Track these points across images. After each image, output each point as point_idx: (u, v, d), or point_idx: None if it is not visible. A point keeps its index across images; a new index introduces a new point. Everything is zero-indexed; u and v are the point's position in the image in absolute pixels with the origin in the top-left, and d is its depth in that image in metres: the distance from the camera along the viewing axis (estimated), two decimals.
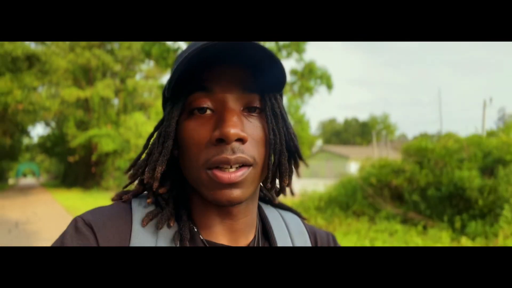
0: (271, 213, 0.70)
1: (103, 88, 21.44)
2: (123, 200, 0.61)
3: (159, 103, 20.20)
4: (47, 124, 30.31)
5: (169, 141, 0.57)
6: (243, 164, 0.54)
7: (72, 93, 21.07)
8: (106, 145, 20.38)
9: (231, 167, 0.53)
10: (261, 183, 0.63)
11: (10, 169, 51.14)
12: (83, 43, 21.98)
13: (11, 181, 51.43)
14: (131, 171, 0.63)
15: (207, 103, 0.55)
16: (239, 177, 0.54)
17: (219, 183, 0.53)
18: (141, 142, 18.76)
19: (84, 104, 23.34)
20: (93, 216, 0.55)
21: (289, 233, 0.68)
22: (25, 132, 28.83)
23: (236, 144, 0.53)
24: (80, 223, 0.54)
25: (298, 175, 0.65)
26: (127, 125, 20.42)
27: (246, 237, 0.63)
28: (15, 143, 29.38)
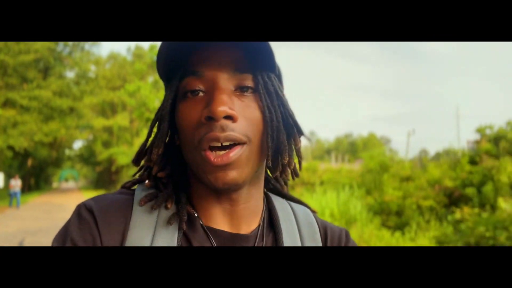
0: (280, 204, 0.68)
1: (121, 119, 30.02)
2: (127, 186, 0.63)
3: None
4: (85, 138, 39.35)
5: (164, 123, 0.57)
6: (236, 143, 0.53)
7: (99, 122, 29.99)
8: (122, 160, 28.72)
9: (221, 146, 0.52)
10: (269, 173, 0.65)
11: (54, 175, 60.74)
12: (109, 87, 31.01)
13: (54, 184, 61.08)
14: (135, 157, 0.64)
15: (199, 86, 0.55)
16: (231, 158, 0.52)
17: (213, 165, 0.52)
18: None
19: (108, 129, 32.08)
20: (95, 202, 0.57)
21: (298, 224, 0.66)
22: (68, 147, 38.21)
23: (225, 122, 0.52)
24: (82, 209, 0.56)
25: (299, 155, 0.63)
26: (137, 145, 28.36)
27: (248, 225, 0.61)
28: (59, 154, 38.71)
